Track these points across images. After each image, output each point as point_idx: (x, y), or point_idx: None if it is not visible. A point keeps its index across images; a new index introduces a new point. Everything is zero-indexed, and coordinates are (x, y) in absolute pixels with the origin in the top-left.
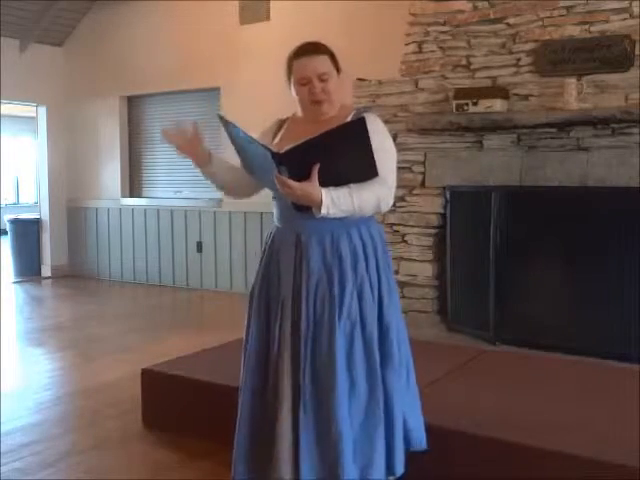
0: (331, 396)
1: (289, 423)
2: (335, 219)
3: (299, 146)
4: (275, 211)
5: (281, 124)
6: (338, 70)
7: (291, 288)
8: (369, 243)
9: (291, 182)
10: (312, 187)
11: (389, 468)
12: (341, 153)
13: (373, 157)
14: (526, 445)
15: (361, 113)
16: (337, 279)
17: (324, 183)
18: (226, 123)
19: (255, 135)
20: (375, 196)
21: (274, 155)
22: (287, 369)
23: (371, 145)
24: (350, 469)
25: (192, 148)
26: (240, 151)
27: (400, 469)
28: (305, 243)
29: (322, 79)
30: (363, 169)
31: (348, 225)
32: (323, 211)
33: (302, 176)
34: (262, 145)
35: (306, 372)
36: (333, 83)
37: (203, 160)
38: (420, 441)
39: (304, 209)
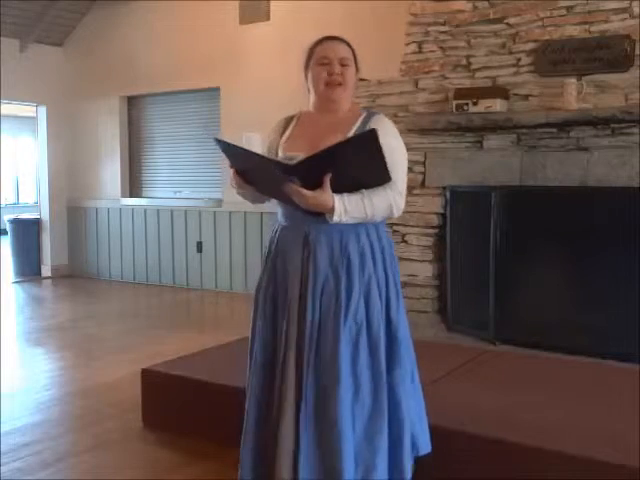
0: (333, 398)
1: (292, 424)
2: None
3: (311, 158)
4: (280, 210)
5: (288, 121)
6: (357, 68)
7: (298, 288)
8: (377, 244)
9: (305, 191)
10: (325, 195)
11: (398, 473)
12: (353, 162)
13: (385, 164)
14: (526, 445)
15: (372, 115)
16: (344, 280)
17: (336, 189)
18: (223, 145)
19: (262, 134)
20: (387, 202)
21: (285, 168)
22: (292, 370)
23: (383, 154)
24: (350, 473)
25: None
26: (240, 166)
27: (408, 475)
28: (313, 243)
29: (343, 63)
30: (375, 175)
31: (357, 226)
32: (335, 218)
33: (314, 184)
34: (268, 158)
35: (309, 373)
36: (351, 73)
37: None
38: (426, 445)
39: (311, 211)
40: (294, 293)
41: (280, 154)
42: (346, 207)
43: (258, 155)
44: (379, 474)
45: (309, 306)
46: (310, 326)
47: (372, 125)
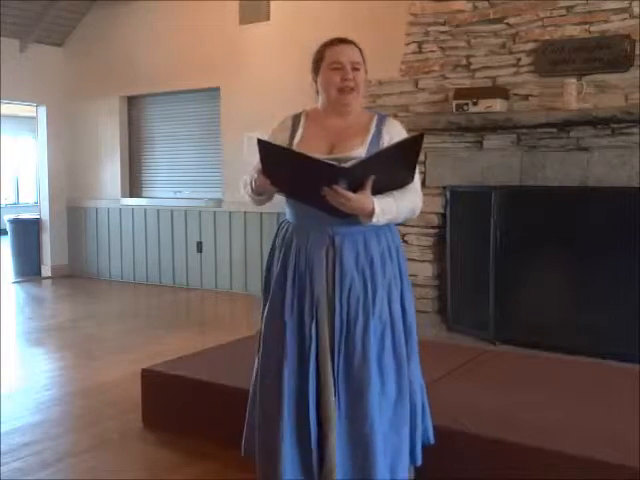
0: (364, 396)
1: (334, 423)
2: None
3: (364, 162)
4: (292, 209)
5: (296, 121)
6: (366, 70)
7: (324, 288)
8: (393, 246)
9: (349, 194)
10: (367, 198)
11: (412, 458)
12: (394, 165)
13: (416, 167)
14: (526, 445)
15: (383, 118)
16: (370, 282)
17: (373, 192)
18: (264, 145)
19: (264, 134)
20: (412, 203)
21: (337, 170)
22: (330, 375)
23: (417, 158)
24: (382, 468)
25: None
26: (273, 168)
27: (419, 459)
28: (339, 245)
29: (355, 67)
30: (404, 178)
31: (377, 228)
32: (374, 220)
33: (356, 187)
34: (316, 159)
35: (340, 372)
36: (362, 77)
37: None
38: (429, 436)
39: (340, 214)
40: (321, 295)
41: None
42: (384, 209)
43: (305, 155)
44: (403, 460)
45: (337, 306)
46: (339, 325)
47: (388, 128)
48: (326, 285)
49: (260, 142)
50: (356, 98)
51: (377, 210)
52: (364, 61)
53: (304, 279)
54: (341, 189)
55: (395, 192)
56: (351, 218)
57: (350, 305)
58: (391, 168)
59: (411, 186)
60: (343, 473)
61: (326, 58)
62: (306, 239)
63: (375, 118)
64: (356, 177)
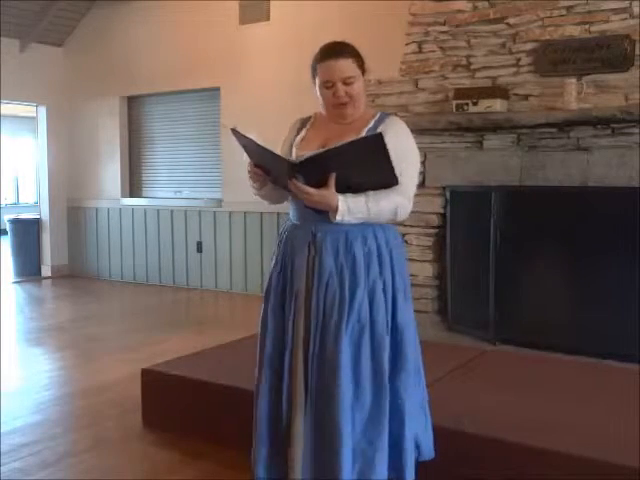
0: (333, 397)
1: (302, 423)
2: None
3: (315, 156)
4: (291, 208)
5: (304, 122)
6: (364, 71)
7: (304, 283)
8: (384, 247)
9: (308, 188)
10: (329, 194)
11: (397, 475)
12: (359, 164)
13: (392, 168)
14: (526, 445)
15: (385, 117)
16: (348, 280)
17: (342, 190)
18: (238, 136)
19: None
20: (392, 205)
21: (290, 164)
22: (301, 367)
23: (390, 157)
24: (347, 473)
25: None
26: (254, 159)
27: (408, 476)
28: (319, 242)
29: (346, 82)
30: (381, 178)
31: (364, 228)
32: (338, 218)
33: (319, 183)
34: (276, 154)
35: (313, 371)
36: (358, 86)
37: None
38: (429, 451)
39: (321, 210)
40: (300, 287)
41: (294, 154)
42: (349, 207)
43: (264, 147)
44: (377, 474)
45: (314, 303)
46: (314, 323)
47: (385, 127)
48: (306, 278)
49: (234, 132)
50: (354, 108)
51: (341, 208)
52: (361, 63)
53: (287, 274)
54: (299, 183)
55: (371, 192)
56: (326, 215)
57: (326, 302)
58: (357, 167)
59: (398, 187)
60: (310, 472)
61: (319, 74)
62: (294, 237)
63: (377, 116)
64: (310, 172)
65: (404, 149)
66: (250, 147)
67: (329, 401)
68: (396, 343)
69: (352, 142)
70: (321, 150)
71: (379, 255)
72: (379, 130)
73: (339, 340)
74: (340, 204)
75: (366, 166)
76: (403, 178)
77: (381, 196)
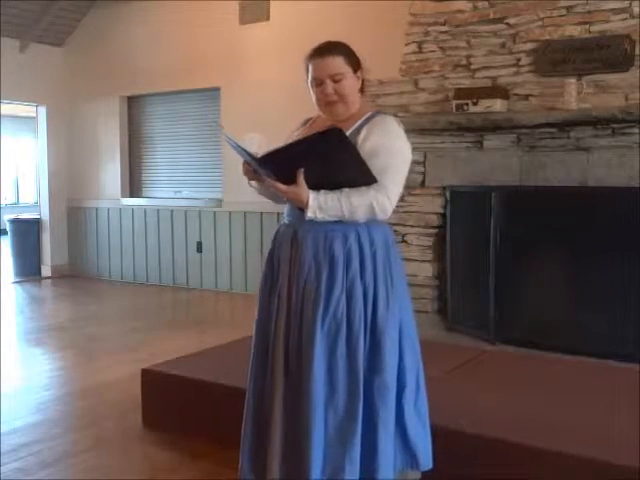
0: (305, 394)
1: (279, 421)
2: (333, 220)
3: (275, 151)
4: (285, 207)
5: (307, 121)
6: (357, 69)
7: (287, 282)
8: (367, 247)
9: (278, 184)
10: (298, 189)
11: (372, 475)
12: (325, 159)
13: (362, 164)
14: (526, 445)
15: (375, 115)
16: (325, 277)
17: (314, 186)
18: (227, 138)
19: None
20: (368, 202)
21: (257, 160)
22: (280, 365)
23: (355, 153)
24: (316, 473)
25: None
26: (243, 157)
27: (385, 477)
28: (300, 239)
29: (335, 80)
30: (356, 176)
31: (347, 227)
32: (310, 214)
33: (289, 179)
34: (248, 152)
35: (291, 369)
36: (348, 84)
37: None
38: (427, 461)
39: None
40: (283, 285)
41: None
42: (321, 204)
43: (241, 147)
44: (347, 477)
45: (293, 297)
46: (293, 317)
47: (371, 126)
48: (288, 279)
49: (224, 134)
50: (345, 106)
51: (312, 204)
52: (357, 62)
53: (274, 269)
54: (269, 179)
55: (346, 189)
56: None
57: (304, 298)
58: (324, 162)
59: (376, 184)
60: (279, 472)
61: (309, 73)
62: (282, 233)
63: (367, 115)
64: (279, 167)
65: (389, 147)
66: (236, 147)
67: (301, 398)
68: (373, 346)
69: (307, 137)
70: (281, 145)
71: (361, 256)
72: (364, 128)
73: (313, 335)
74: (311, 200)
75: (333, 162)
76: (383, 176)
77: (356, 193)
